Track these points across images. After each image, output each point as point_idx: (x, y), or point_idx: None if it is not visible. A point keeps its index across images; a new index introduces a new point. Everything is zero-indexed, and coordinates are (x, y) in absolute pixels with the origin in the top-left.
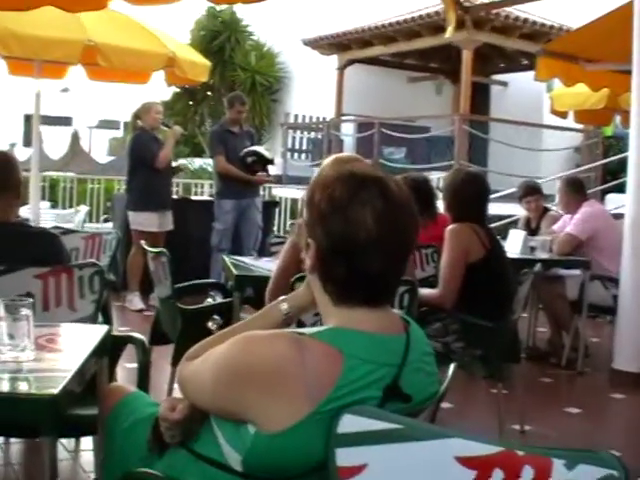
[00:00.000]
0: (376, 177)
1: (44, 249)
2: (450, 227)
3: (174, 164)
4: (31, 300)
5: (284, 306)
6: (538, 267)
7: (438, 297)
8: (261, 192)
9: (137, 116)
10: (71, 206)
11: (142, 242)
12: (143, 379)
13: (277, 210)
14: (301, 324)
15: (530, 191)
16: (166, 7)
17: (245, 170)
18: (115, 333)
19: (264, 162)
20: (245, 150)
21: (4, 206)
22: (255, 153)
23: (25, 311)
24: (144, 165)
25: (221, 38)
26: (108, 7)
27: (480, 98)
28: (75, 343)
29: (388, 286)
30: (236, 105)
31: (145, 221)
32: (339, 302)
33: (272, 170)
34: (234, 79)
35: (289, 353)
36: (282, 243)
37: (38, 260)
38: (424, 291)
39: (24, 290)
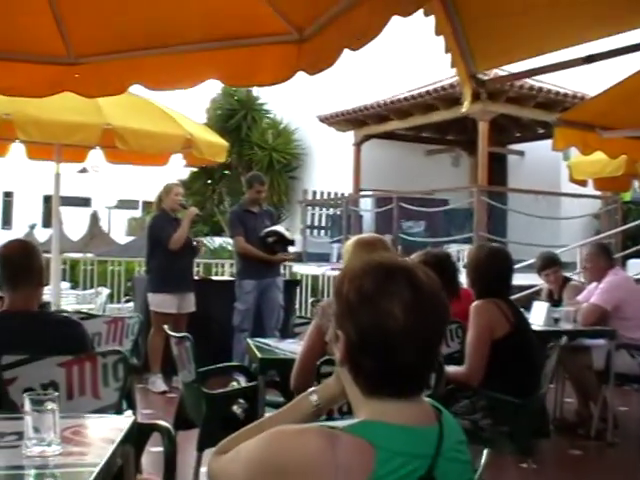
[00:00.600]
0: (404, 267)
1: (67, 338)
2: (475, 304)
3: (194, 243)
4: (56, 394)
5: (314, 397)
6: (564, 340)
7: (464, 374)
8: (282, 271)
9: (160, 198)
10: (92, 287)
11: (165, 326)
12: (170, 468)
13: (298, 288)
14: (331, 415)
15: (548, 263)
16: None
17: (265, 250)
18: (140, 421)
19: (285, 243)
20: (265, 230)
21: (26, 295)
22: (276, 233)
23: (51, 405)
24: (160, 246)
25: (237, 117)
26: (127, 92)
27: (497, 168)
28: (101, 435)
29: (419, 377)
30: (255, 185)
31: (164, 302)
32: (370, 394)
33: (292, 248)
34: (251, 157)
35: (321, 448)
36: (305, 324)
37: (62, 349)
38: (450, 369)
39: (48, 379)
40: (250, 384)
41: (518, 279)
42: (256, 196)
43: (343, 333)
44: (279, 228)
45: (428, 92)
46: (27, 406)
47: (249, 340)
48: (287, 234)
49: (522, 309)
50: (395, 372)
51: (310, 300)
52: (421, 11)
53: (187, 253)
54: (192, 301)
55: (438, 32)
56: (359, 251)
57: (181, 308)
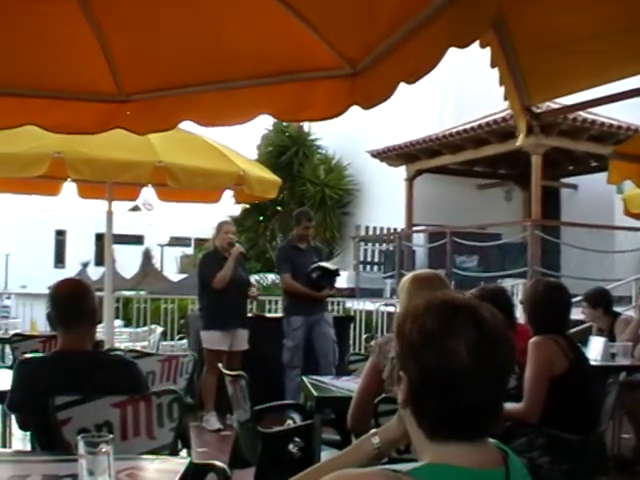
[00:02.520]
0: (468, 305)
1: (121, 378)
2: (532, 340)
3: (253, 290)
4: (111, 435)
5: (375, 440)
6: (623, 376)
7: (523, 412)
8: (330, 306)
9: (214, 236)
10: (145, 324)
11: (219, 365)
12: None
13: (351, 324)
14: (392, 459)
15: (583, 299)
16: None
17: (312, 286)
18: (196, 461)
19: (329, 275)
20: (312, 267)
21: (79, 335)
22: (319, 268)
23: (105, 447)
24: (209, 284)
25: (289, 153)
26: (178, 127)
27: (550, 202)
28: (157, 477)
29: (485, 419)
30: (303, 222)
31: (215, 339)
32: (434, 437)
33: (344, 282)
34: (304, 193)
35: None
36: (360, 361)
37: (116, 389)
38: (508, 406)
39: (102, 419)
40: (306, 422)
41: (573, 314)
42: (303, 232)
43: (406, 374)
44: (323, 263)
45: (480, 126)
46: (81, 448)
47: (304, 378)
48: (330, 266)
49: (579, 344)
50: (460, 414)
51: (364, 336)
52: (477, 43)
53: (238, 290)
54: (245, 338)
55: (494, 64)
56: (417, 288)
57: (233, 345)
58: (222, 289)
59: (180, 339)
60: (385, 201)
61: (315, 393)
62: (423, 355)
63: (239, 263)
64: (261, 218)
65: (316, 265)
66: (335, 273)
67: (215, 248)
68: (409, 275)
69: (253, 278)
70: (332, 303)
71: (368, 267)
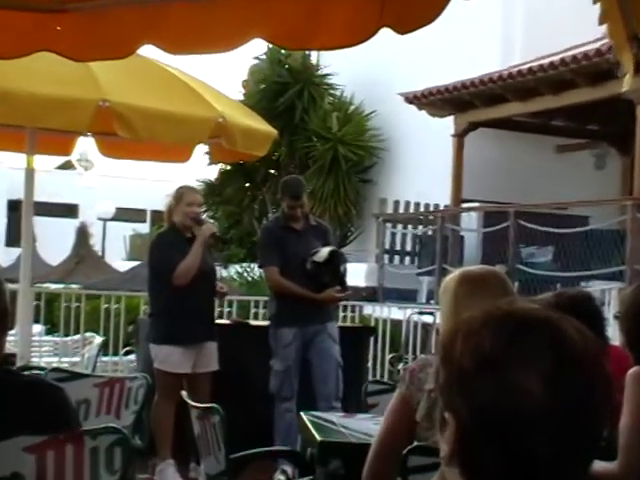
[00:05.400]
0: (544, 319)
1: (39, 409)
2: (632, 371)
3: (222, 289)
4: None
5: None
6: None
7: (617, 474)
8: (340, 313)
9: (170, 208)
10: (77, 332)
11: (181, 392)
12: None
13: (372, 339)
14: None
15: None
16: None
17: (310, 284)
18: None
19: (332, 265)
20: (311, 255)
21: None
22: (320, 256)
23: None
24: (164, 279)
25: (289, 94)
26: (134, 54)
27: None
28: None
29: (561, 478)
30: (286, 199)
31: (173, 358)
32: None
33: (362, 280)
34: (308, 151)
35: None
36: (384, 392)
37: (31, 425)
38: (596, 465)
39: (9, 470)
40: (304, 479)
41: None
42: (289, 213)
43: (453, 415)
44: (326, 248)
45: (563, 62)
46: None
47: (303, 415)
48: (334, 251)
49: None
50: (530, 471)
51: (388, 357)
52: None
53: (205, 287)
54: (214, 355)
55: None
56: (468, 292)
57: (198, 366)
58: (185, 286)
59: (127, 354)
60: (423, 166)
61: (318, 436)
62: (479, 388)
63: (208, 250)
64: (247, 185)
65: (315, 252)
66: (336, 260)
67: (173, 226)
68: (456, 272)
69: (234, 270)
70: (343, 309)
71: (396, 259)
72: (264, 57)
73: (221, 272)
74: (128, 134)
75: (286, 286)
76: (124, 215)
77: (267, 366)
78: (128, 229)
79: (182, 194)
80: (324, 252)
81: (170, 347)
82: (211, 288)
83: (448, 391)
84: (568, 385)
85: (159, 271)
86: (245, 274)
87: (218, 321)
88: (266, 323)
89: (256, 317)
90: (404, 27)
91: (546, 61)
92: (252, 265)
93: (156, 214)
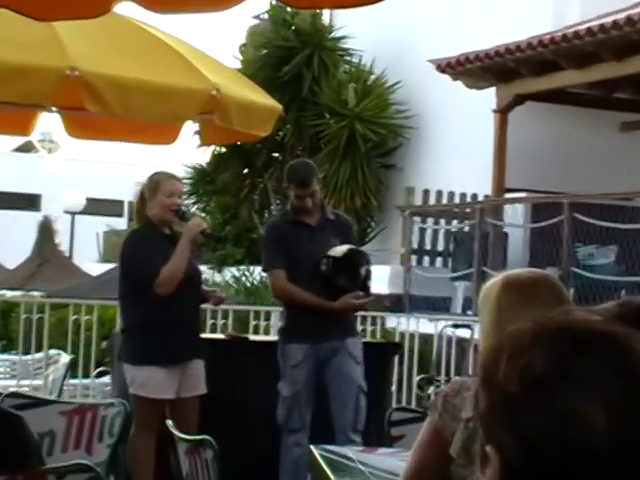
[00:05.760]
0: (608, 334)
1: None
2: None
3: (219, 294)
4: None
5: None
6: None
7: None
8: (359, 326)
9: (142, 198)
10: (39, 349)
11: (166, 422)
12: None
13: (396, 358)
14: None
15: None
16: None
17: (325, 289)
18: None
19: (352, 265)
20: (326, 255)
21: None
22: (335, 253)
23: None
24: (141, 287)
25: (296, 61)
26: (110, 13)
27: None
28: None
29: None
30: (292, 187)
31: (153, 382)
32: None
33: (385, 285)
34: (320, 131)
35: None
36: (411, 421)
37: None
38: None
39: None
40: None
41: None
42: (298, 204)
43: (496, 449)
44: (342, 247)
45: (630, 20)
46: None
47: (313, 448)
48: (361, 255)
49: None
50: None
51: (416, 379)
52: None
53: (191, 296)
54: (201, 376)
55: None
56: (514, 301)
57: (183, 389)
58: (168, 295)
59: (100, 375)
60: (458, 148)
61: (332, 476)
62: (528, 417)
63: (194, 249)
64: (246, 171)
65: (333, 250)
66: (356, 260)
67: (148, 221)
68: (498, 277)
69: (229, 274)
70: (362, 320)
71: (426, 260)
72: (266, 17)
73: (213, 276)
74: (100, 109)
75: (295, 293)
76: (96, 207)
77: (272, 391)
78: (101, 224)
79: (159, 182)
80: (342, 247)
81: (149, 368)
82: (197, 295)
83: (490, 420)
84: (639, 417)
85: (136, 277)
86: (243, 279)
87: (211, 336)
88: (269, 338)
89: (256, 331)
90: None
91: (608, 20)
92: (252, 268)
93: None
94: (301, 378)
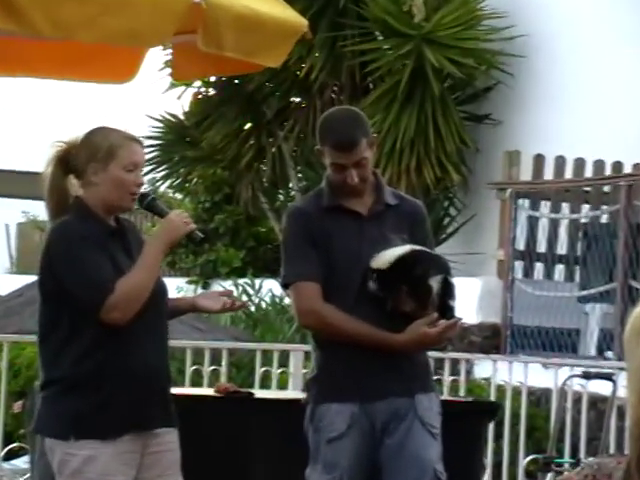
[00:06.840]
0: None
1: None
2: None
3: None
4: None
5: None
6: None
7: None
8: (432, 375)
9: (66, 169)
10: None
11: None
12: None
13: (492, 426)
14: None
15: None
16: None
17: (384, 315)
18: None
19: (412, 280)
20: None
21: None
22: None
23: None
24: (81, 314)
25: None
26: None
27: None
28: None
29: None
30: (327, 152)
31: (95, 466)
32: None
33: (474, 310)
34: (367, 62)
35: None
36: None
37: None
38: None
39: None
40: None
41: None
42: (337, 178)
43: None
44: (410, 248)
45: None
46: None
47: None
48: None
49: None
50: None
51: (524, 461)
52: None
53: (153, 325)
54: (175, 456)
55: None
56: None
57: (145, 475)
58: (122, 326)
59: (11, 457)
60: (594, 91)
61: None
62: None
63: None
64: (248, 126)
65: (400, 254)
66: (418, 268)
67: (82, 207)
68: None
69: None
70: (438, 365)
71: (539, 268)
72: None
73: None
74: (17, 26)
75: (335, 320)
76: (7, 185)
77: (296, 476)
78: (15, 211)
79: (112, 148)
80: (394, 252)
81: (90, 444)
82: (163, 326)
83: None
84: None
85: (72, 296)
86: (244, 298)
87: (193, 391)
88: (287, 394)
89: (266, 382)
90: None
91: None
92: (258, 281)
93: None
94: (344, 459)
